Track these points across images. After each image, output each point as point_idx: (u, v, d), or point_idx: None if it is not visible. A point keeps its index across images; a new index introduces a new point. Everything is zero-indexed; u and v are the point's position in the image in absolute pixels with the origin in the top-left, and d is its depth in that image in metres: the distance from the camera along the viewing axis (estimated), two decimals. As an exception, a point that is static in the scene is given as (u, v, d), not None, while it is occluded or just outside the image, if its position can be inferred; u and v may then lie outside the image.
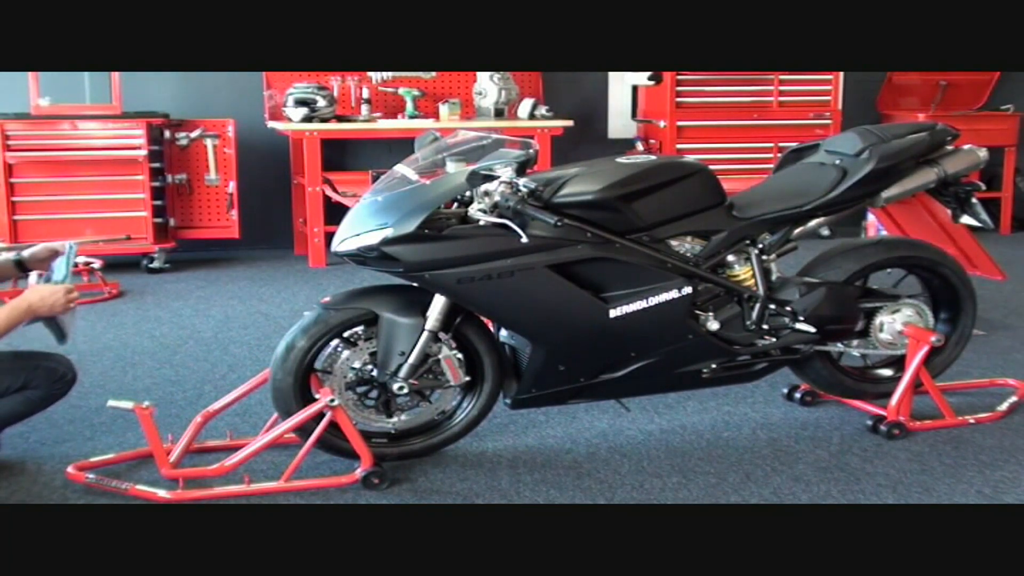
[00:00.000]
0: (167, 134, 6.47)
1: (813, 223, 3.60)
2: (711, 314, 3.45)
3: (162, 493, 3.10)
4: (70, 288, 3.15)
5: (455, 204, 3.24)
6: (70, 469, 3.23)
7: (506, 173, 3.09)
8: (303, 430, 3.23)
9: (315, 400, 3.28)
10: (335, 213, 5.85)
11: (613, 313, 3.27)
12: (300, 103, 6.56)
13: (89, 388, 4.04)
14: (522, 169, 3.13)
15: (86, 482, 3.16)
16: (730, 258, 3.48)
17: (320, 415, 3.19)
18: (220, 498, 3.12)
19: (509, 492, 3.19)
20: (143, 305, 5.45)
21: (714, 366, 3.49)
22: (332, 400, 3.16)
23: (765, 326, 3.50)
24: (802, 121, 7.39)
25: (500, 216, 3.12)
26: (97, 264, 5.37)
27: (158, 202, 6.43)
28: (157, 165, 6.42)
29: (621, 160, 3.43)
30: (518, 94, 7.06)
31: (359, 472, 3.20)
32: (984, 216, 3.85)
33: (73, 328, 3.18)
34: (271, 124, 6.88)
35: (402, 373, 3.25)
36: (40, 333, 3.23)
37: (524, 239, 3.11)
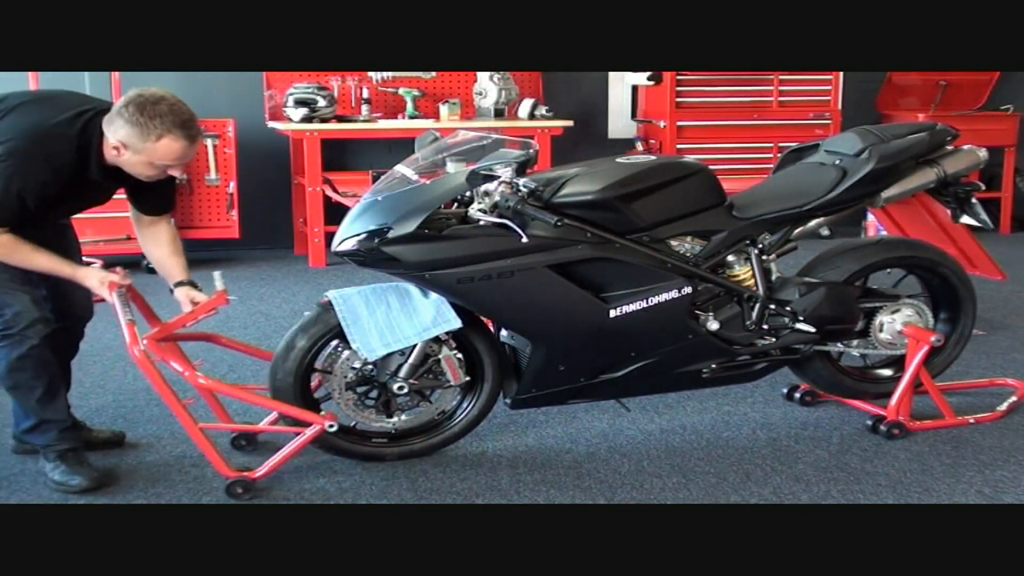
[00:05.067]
0: (167, 134, 6.46)
1: (813, 223, 3.60)
2: (711, 314, 3.45)
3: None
4: (108, 283, 3.13)
5: (455, 204, 3.25)
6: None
7: (506, 173, 3.09)
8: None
9: (315, 400, 3.31)
10: (335, 213, 5.85)
11: (613, 313, 3.27)
12: (300, 103, 6.56)
13: (89, 388, 4.05)
14: (522, 169, 3.13)
15: None
16: (730, 258, 3.48)
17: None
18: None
19: (509, 492, 3.19)
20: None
21: (714, 366, 3.50)
22: (332, 426, 3.17)
23: (765, 326, 3.50)
24: (802, 121, 7.38)
25: (500, 216, 3.12)
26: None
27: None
28: (157, 165, 6.41)
29: (621, 160, 3.43)
30: (518, 94, 7.06)
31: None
32: (984, 216, 3.85)
33: None
34: (271, 124, 6.87)
35: (402, 373, 3.26)
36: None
37: (524, 239, 3.11)
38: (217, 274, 3.37)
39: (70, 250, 3.31)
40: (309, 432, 3.19)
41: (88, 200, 3.25)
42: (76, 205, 3.26)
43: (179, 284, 3.34)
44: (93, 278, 3.15)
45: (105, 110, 3.03)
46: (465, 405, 3.44)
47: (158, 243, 3.39)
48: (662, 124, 7.26)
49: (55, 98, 3.18)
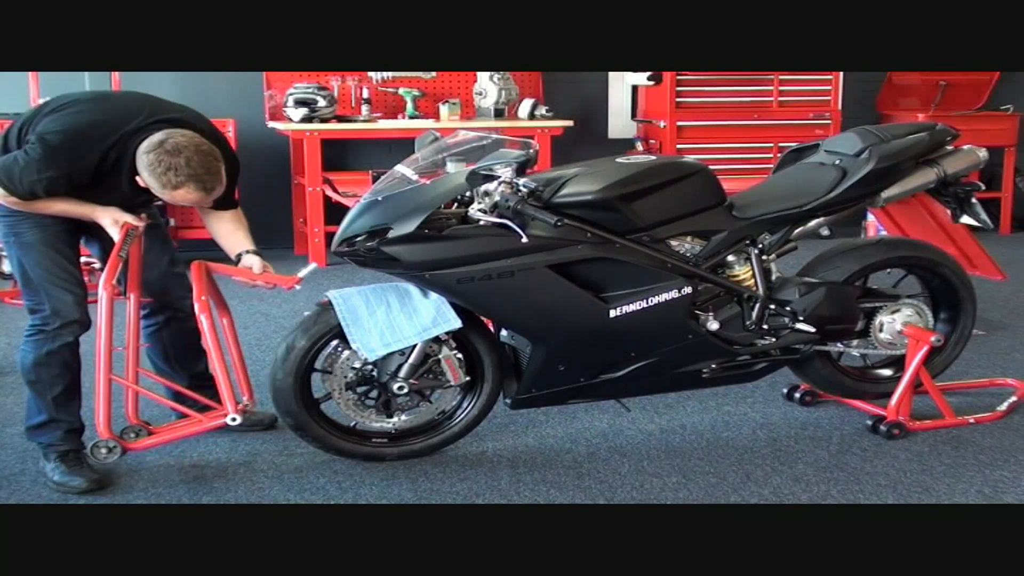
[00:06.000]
0: (167, 134, 6.45)
1: (813, 223, 3.59)
2: (711, 314, 3.45)
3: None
4: (123, 223, 3.17)
5: (455, 204, 3.25)
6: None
7: (506, 173, 3.09)
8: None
9: (314, 399, 3.31)
10: (335, 213, 5.84)
11: (613, 313, 3.27)
12: (300, 103, 6.55)
13: (89, 388, 4.02)
14: (522, 169, 3.13)
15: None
16: (730, 258, 3.48)
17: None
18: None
19: (509, 492, 3.19)
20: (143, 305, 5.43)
21: (714, 366, 3.50)
22: (234, 419, 3.14)
23: (765, 326, 3.50)
24: (802, 121, 7.38)
25: (500, 216, 3.12)
26: (97, 264, 5.36)
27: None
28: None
29: (621, 160, 3.43)
30: (518, 94, 7.06)
31: None
32: (984, 216, 3.85)
33: None
34: (271, 124, 6.87)
35: (402, 373, 3.26)
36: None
37: (524, 239, 3.10)
38: (313, 265, 3.43)
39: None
40: (209, 423, 3.22)
41: (121, 206, 3.24)
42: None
43: (248, 252, 3.40)
44: (107, 217, 3.18)
45: (155, 123, 3.07)
46: (465, 405, 3.44)
47: (221, 218, 3.43)
48: (662, 124, 7.26)
49: (112, 102, 3.25)
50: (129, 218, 3.20)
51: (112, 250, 3.29)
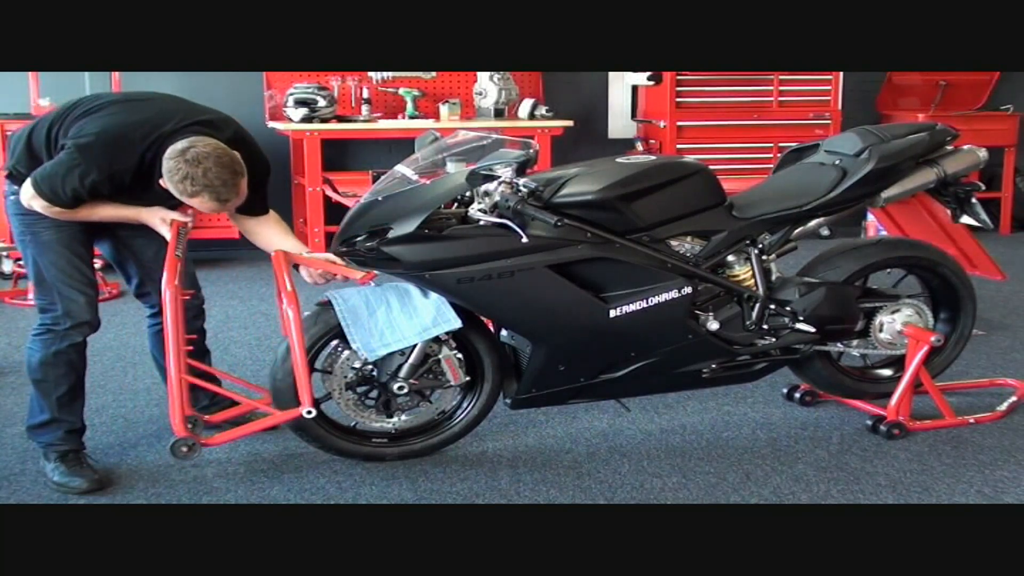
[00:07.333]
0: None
1: (813, 223, 3.60)
2: (711, 314, 3.45)
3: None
4: (171, 221, 3.22)
5: (455, 204, 3.25)
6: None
7: (506, 173, 3.09)
8: None
9: (314, 399, 3.31)
10: (335, 213, 5.85)
11: (613, 313, 3.27)
12: (300, 103, 6.55)
13: (89, 388, 4.03)
14: (522, 169, 3.13)
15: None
16: (730, 258, 3.48)
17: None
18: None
19: (509, 492, 3.19)
20: (143, 305, 5.43)
21: (714, 366, 3.50)
22: (309, 411, 3.12)
23: (765, 326, 3.50)
24: (802, 121, 7.38)
25: (500, 216, 3.12)
26: (97, 264, 5.37)
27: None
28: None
29: (621, 160, 3.43)
30: (518, 94, 7.06)
31: None
32: (984, 216, 3.85)
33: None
34: (271, 124, 6.87)
35: (402, 373, 3.26)
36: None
37: (524, 239, 3.11)
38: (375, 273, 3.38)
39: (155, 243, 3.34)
40: (282, 416, 3.19)
41: (160, 203, 3.26)
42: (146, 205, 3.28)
43: (311, 252, 3.42)
44: (155, 216, 3.23)
45: (191, 125, 3.08)
46: (465, 405, 3.44)
47: (262, 224, 3.45)
48: (662, 124, 7.26)
49: (146, 104, 3.25)
50: (177, 215, 3.22)
51: (113, 251, 3.28)
